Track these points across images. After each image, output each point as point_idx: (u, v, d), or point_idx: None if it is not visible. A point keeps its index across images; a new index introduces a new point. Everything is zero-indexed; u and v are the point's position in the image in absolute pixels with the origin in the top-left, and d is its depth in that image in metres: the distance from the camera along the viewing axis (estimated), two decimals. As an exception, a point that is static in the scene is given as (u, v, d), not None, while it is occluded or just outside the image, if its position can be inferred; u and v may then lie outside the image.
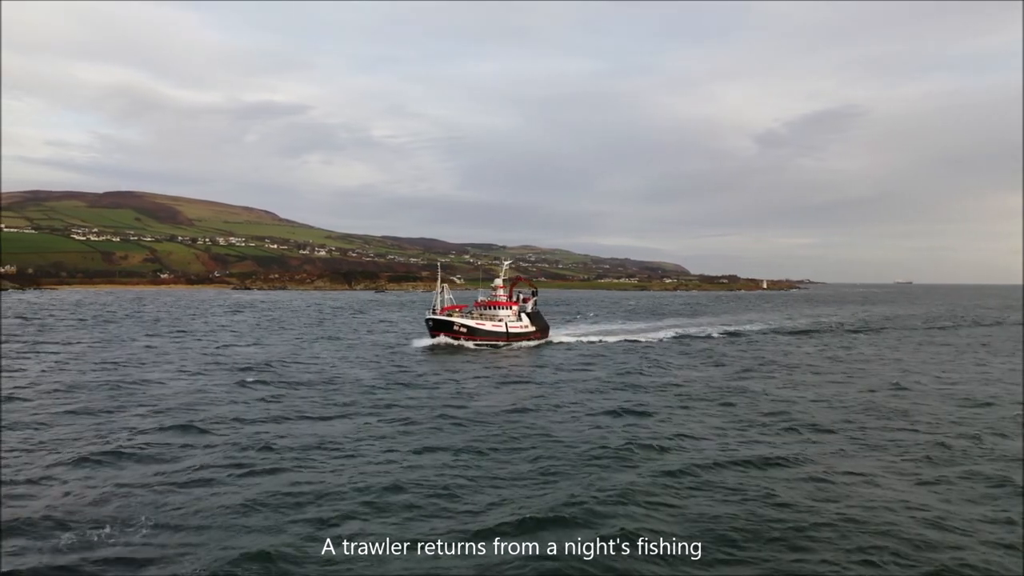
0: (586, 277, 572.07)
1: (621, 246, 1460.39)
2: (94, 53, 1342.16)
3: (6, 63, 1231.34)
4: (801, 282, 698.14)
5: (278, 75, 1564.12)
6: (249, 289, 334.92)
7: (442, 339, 78.92)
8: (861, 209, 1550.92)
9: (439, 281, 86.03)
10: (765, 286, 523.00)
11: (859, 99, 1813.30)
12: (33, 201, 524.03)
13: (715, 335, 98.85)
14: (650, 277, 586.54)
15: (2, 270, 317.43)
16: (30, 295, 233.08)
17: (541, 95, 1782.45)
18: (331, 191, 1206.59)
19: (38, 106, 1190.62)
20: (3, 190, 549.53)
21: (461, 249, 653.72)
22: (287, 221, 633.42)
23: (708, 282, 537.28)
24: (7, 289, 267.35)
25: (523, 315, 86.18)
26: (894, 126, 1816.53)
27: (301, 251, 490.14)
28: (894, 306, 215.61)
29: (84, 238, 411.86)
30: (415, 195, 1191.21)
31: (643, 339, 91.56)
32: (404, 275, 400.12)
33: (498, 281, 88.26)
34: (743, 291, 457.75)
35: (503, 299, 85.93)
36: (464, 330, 79.40)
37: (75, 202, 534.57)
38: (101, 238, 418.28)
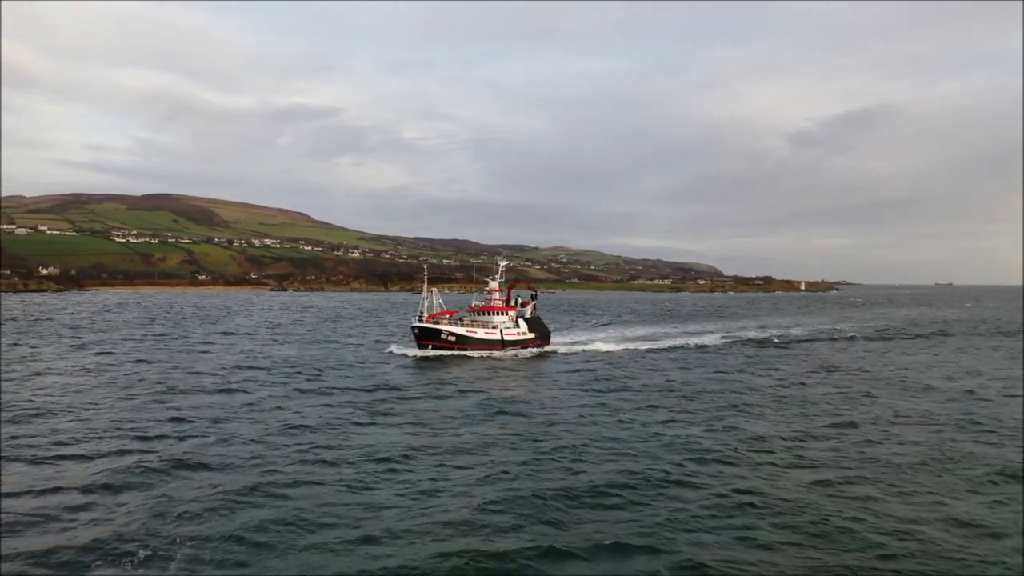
0: (619, 278, 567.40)
1: (653, 247, 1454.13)
2: (133, 59, 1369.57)
3: (49, 70, 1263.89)
4: (838, 283, 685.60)
5: (310, 78, 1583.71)
6: (286, 290, 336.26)
7: (430, 349, 71.50)
8: (898, 209, 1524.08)
9: (425, 284, 77.42)
10: (803, 287, 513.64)
11: (894, 98, 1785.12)
12: (74, 204, 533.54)
13: (771, 340, 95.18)
14: (684, 278, 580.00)
15: (46, 272, 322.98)
16: (83, 296, 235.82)
17: (571, 96, 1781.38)
18: (363, 193, 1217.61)
19: (79, 111, 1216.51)
20: (45, 194, 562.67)
21: (493, 250, 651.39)
22: (321, 223, 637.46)
23: (743, 283, 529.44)
24: (49, 290, 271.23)
25: (521, 321, 78.59)
26: (931, 124, 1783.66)
27: (335, 252, 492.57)
28: (961, 309, 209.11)
29: (124, 240, 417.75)
30: (446, 197, 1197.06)
31: (664, 346, 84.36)
32: (439, 276, 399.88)
33: (493, 283, 79.64)
34: (780, 292, 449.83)
35: (499, 303, 78.40)
36: (453, 339, 72.36)
37: (115, 204, 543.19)
38: (140, 240, 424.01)
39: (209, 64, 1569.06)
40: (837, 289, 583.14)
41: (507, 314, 77.83)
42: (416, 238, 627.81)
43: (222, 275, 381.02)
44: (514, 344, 76.02)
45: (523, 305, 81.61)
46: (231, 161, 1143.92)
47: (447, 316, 75.62)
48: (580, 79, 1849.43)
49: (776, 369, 65.15)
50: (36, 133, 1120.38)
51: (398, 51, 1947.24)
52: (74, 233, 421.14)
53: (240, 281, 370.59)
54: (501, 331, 75.55)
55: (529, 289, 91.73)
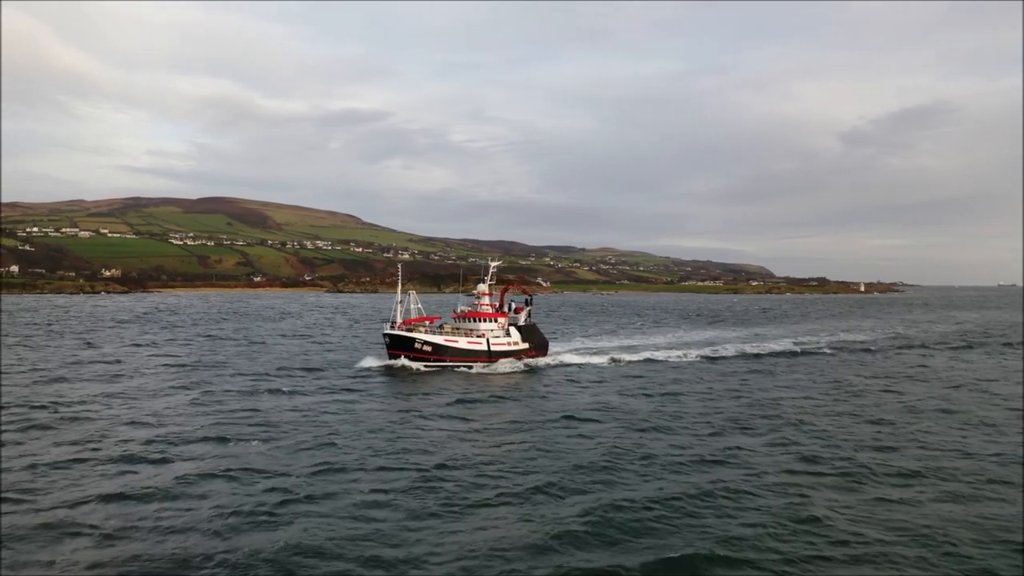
0: (669, 280, 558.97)
1: (702, 248, 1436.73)
2: (193, 67, 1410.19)
3: (113, 80, 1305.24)
4: (894, 284, 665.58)
5: (361, 83, 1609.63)
6: (341, 292, 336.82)
7: (402, 360, 62.85)
8: (957, 209, 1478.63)
9: (399, 286, 68.08)
10: (863, 289, 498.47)
11: (951, 95, 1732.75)
12: (133, 207, 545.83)
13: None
14: (735, 279, 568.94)
15: (108, 273, 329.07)
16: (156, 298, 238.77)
17: (618, 97, 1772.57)
18: (412, 195, 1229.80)
19: (141, 118, 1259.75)
20: (104, 198, 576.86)
21: (540, 252, 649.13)
22: (370, 225, 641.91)
23: (798, 284, 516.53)
24: (113, 291, 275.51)
25: (512, 329, 69.26)
26: (990, 121, 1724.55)
27: (385, 254, 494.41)
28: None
29: (181, 243, 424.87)
30: (494, 199, 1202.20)
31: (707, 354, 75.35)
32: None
33: (482, 286, 70.44)
34: (842, 295, 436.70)
35: (488, 309, 69.26)
36: (429, 348, 63.73)
37: (171, 208, 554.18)
38: (197, 242, 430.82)
39: (264, 71, 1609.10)
40: (897, 291, 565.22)
41: (496, 321, 68.43)
42: (464, 240, 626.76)
43: (276, 276, 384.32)
44: (503, 355, 66.64)
45: (516, 311, 72.41)
46: (283, 165, 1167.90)
47: (427, 322, 67.23)
48: (628, 80, 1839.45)
49: None
50: (101, 140, 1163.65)
51: (447, 54, 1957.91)
52: (134, 236, 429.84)
53: (295, 283, 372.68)
54: (488, 340, 66.57)
55: (524, 293, 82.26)
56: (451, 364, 63.78)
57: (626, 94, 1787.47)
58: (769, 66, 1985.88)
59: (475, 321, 67.89)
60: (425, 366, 62.36)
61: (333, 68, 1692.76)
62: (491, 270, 72.91)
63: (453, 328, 67.37)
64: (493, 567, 20.58)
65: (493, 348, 66.46)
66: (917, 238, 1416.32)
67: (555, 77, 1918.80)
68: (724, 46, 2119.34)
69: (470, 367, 63.58)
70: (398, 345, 63.82)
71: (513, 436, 36.94)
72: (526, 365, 66.59)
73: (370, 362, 64.40)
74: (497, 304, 71.42)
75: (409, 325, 65.36)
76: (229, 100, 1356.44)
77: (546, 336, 76.78)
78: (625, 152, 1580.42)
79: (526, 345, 69.27)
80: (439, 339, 64.88)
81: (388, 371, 60.98)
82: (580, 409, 44.18)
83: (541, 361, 68.94)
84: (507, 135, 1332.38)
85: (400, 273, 72.12)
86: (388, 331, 65.05)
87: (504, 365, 64.68)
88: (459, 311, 69.62)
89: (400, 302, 66.01)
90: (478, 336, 66.55)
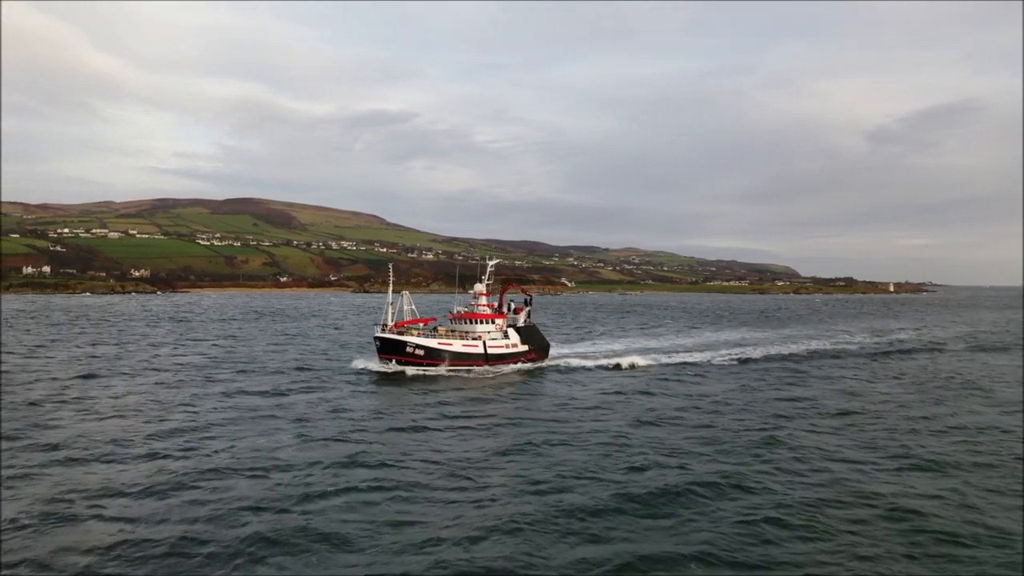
0: (694, 280, 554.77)
1: (727, 248, 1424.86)
2: (219, 70, 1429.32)
3: (141, 83, 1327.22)
4: (923, 284, 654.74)
5: (387, 84, 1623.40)
6: (367, 292, 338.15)
7: (393, 364, 59.15)
8: (982, 207, 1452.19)
9: (391, 287, 65.72)
10: (892, 289, 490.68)
11: (979, 92, 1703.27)
12: (161, 208, 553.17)
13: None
14: (761, 279, 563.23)
15: (138, 274, 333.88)
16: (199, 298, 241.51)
17: (642, 96, 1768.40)
18: (435, 195, 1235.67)
19: (168, 120, 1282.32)
20: (132, 199, 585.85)
21: (564, 252, 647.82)
22: (394, 225, 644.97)
23: (825, 285, 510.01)
24: (145, 291, 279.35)
25: (511, 331, 65.75)
26: (1018, 119, 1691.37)
27: (409, 254, 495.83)
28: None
29: (208, 243, 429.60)
30: (517, 199, 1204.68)
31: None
32: (517, 278, 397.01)
33: (479, 286, 66.81)
34: (872, 294, 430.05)
35: (485, 310, 65.63)
36: (421, 352, 59.95)
37: (199, 209, 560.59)
38: (223, 243, 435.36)
39: (291, 73, 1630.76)
40: (927, 290, 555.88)
41: (494, 323, 64.68)
42: (487, 240, 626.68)
43: (302, 277, 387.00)
44: (501, 359, 63.16)
45: (515, 312, 68.98)
46: (308, 166, 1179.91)
47: (421, 324, 63.81)
48: (651, 79, 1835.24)
49: None
50: (129, 141, 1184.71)
51: (470, 56, 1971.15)
52: (162, 237, 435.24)
53: (321, 283, 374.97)
54: (484, 343, 62.97)
55: (523, 293, 79.18)
56: (447, 367, 60.31)
57: (649, 94, 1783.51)
58: (792, 65, 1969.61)
59: (471, 323, 64.20)
60: (418, 371, 58.71)
61: (359, 70, 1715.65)
62: (488, 269, 68.97)
63: (448, 331, 63.82)
64: (524, 560, 20.71)
65: (490, 351, 63.00)
66: (945, 237, 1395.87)
67: (578, 77, 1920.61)
68: (746, 45, 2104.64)
69: (466, 371, 60.06)
70: (389, 349, 60.05)
71: (522, 434, 36.76)
72: (535, 365, 64.09)
73: (362, 363, 61.49)
74: (495, 305, 68.12)
75: (401, 328, 61.71)
76: (255, 102, 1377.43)
77: (548, 339, 72.62)
78: (649, 152, 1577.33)
79: (525, 347, 65.84)
80: (432, 342, 61.03)
81: (392, 373, 58.17)
82: (588, 410, 43.52)
83: (544, 364, 65.52)
84: (530, 135, 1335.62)
85: (391, 274, 69.51)
86: (378, 334, 61.37)
87: (502, 368, 61.55)
88: (455, 312, 66.21)
89: (392, 303, 62.31)
90: (474, 338, 63.05)
